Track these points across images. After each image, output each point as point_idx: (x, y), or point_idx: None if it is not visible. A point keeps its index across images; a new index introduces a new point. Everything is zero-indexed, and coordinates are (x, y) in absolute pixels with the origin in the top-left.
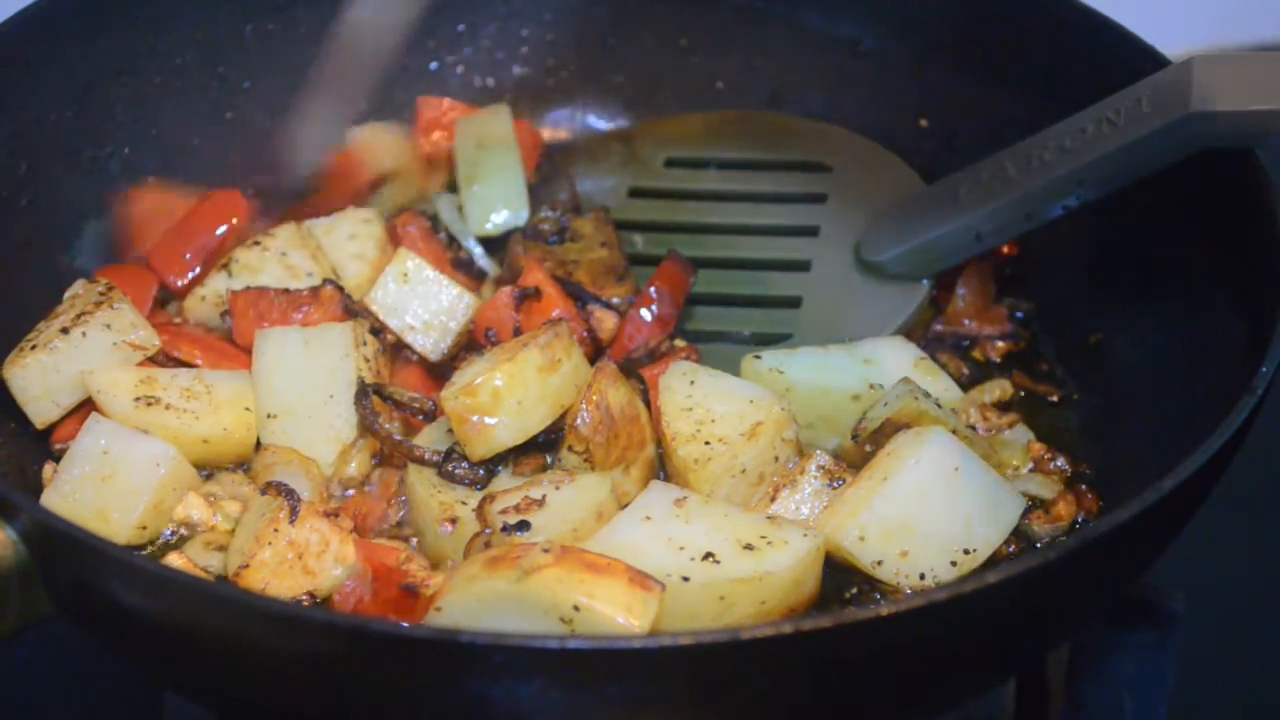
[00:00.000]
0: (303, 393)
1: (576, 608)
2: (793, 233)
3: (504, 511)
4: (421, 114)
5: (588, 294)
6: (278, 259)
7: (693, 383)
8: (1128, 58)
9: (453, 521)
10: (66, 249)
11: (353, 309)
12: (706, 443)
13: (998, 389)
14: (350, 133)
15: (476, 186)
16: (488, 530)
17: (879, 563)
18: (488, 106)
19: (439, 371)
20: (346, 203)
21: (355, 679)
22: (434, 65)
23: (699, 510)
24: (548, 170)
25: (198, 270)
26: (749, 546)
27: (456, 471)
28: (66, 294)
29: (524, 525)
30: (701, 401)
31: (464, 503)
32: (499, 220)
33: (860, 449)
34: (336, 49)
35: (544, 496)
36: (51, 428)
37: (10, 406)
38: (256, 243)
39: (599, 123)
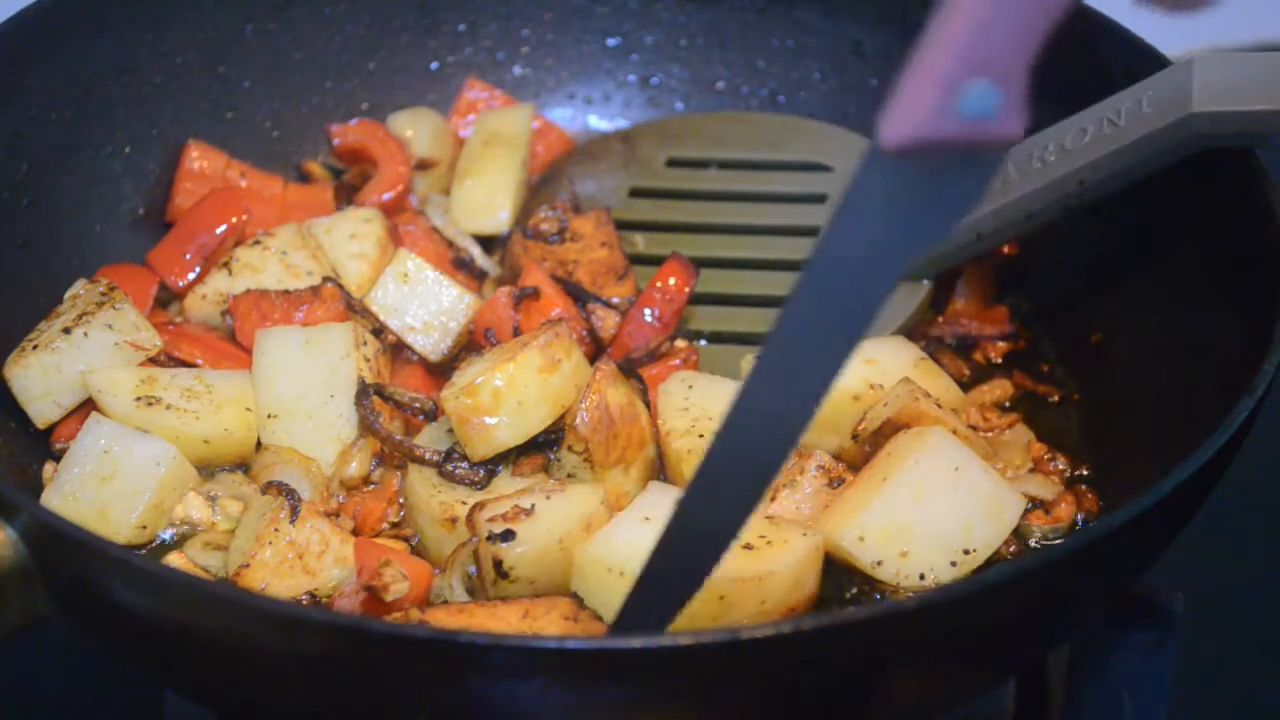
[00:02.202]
0: (303, 393)
1: None
2: (793, 233)
3: (491, 520)
4: (463, 97)
5: (588, 294)
6: (278, 258)
7: (691, 387)
8: (1128, 58)
9: (453, 521)
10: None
11: (354, 306)
12: (701, 435)
13: (998, 389)
14: (390, 118)
15: (469, 181)
16: (474, 539)
17: (879, 563)
18: (517, 104)
19: (439, 371)
20: (390, 190)
21: (355, 679)
22: (434, 65)
23: None
24: (548, 170)
25: (198, 270)
26: (748, 546)
27: (457, 471)
28: (67, 294)
29: (509, 535)
30: (698, 402)
31: (464, 503)
32: (478, 222)
33: (860, 449)
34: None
35: (533, 506)
36: (52, 427)
37: (10, 406)
38: (257, 242)
39: (599, 123)
